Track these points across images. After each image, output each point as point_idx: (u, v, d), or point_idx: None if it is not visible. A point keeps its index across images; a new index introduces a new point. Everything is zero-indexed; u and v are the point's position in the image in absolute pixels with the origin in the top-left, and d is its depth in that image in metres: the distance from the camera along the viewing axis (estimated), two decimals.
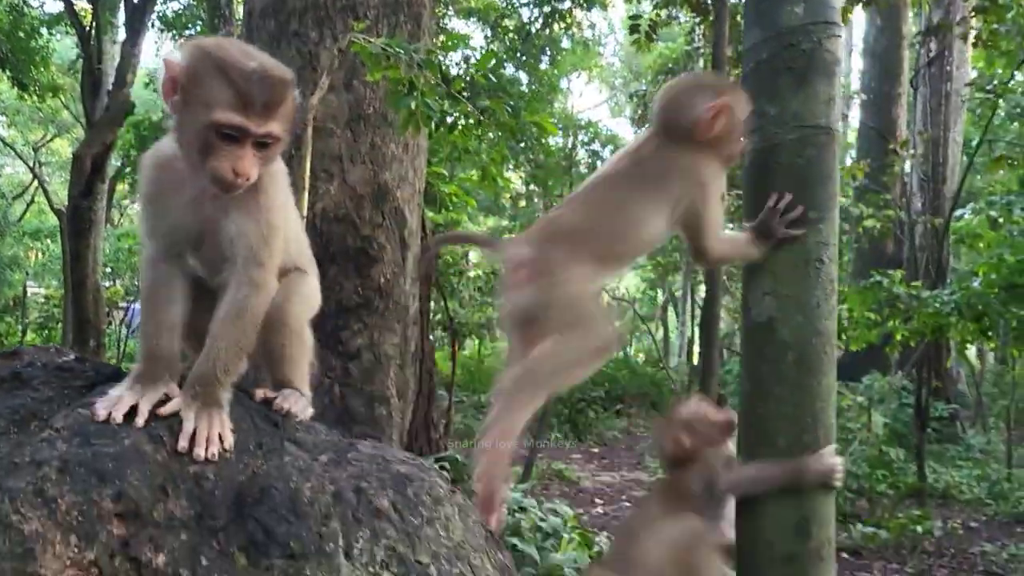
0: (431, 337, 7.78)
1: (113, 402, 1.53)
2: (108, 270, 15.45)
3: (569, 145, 19.05)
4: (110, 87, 11.48)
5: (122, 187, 18.75)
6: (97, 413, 1.50)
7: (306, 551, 1.42)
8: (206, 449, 1.51)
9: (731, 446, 2.12)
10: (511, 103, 3.86)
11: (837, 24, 1.92)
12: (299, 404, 1.82)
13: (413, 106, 3.45)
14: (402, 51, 3.49)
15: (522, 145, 14.44)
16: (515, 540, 4.03)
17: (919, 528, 6.46)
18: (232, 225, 1.61)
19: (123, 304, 17.85)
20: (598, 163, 17.91)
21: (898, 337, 7.26)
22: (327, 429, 1.78)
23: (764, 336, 1.93)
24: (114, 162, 14.12)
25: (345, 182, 4.88)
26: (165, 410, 1.56)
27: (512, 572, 1.70)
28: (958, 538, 6.74)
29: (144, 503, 1.39)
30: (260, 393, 1.80)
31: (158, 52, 19.46)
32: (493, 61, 4.27)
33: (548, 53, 15.17)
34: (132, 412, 1.54)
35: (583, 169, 18.18)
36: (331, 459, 1.62)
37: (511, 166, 15.96)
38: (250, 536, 1.42)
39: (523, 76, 15.13)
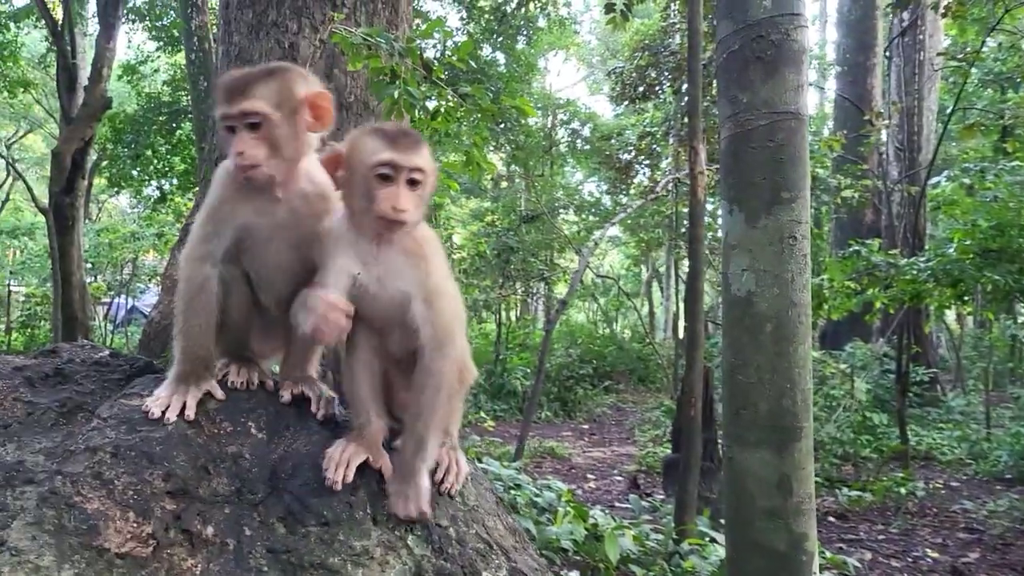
0: None
1: (162, 402, 1.65)
2: (88, 265, 15.31)
3: (548, 125, 19.11)
4: (85, 82, 11.41)
5: (99, 181, 18.58)
6: (151, 412, 1.63)
7: (338, 518, 1.57)
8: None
9: None
10: (491, 87, 3.95)
11: (803, 15, 2.06)
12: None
13: (396, 95, 3.54)
14: (383, 40, 3.58)
15: (502, 126, 14.46)
16: (512, 516, 4.13)
17: (902, 490, 6.65)
18: None
19: (105, 300, 17.75)
20: (578, 142, 17.97)
21: (877, 305, 7.40)
22: (343, 411, 1.88)
23: (743, 309, 2.08)
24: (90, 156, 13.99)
25: None
26: None
27: (520, 532, 1.85)
28: (940, 497, 6.96)
29: (190, 481, 1.54)
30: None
31: (130, 44, 19.29)
32: (472, 48, 4.38)
33: (524, 33, 15.15)
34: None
35: (563, 148, 18.26)
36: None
37: (492, 147, 16.01)
38: (287, 507, 1.57)
39: (500, 57, 15.11)
